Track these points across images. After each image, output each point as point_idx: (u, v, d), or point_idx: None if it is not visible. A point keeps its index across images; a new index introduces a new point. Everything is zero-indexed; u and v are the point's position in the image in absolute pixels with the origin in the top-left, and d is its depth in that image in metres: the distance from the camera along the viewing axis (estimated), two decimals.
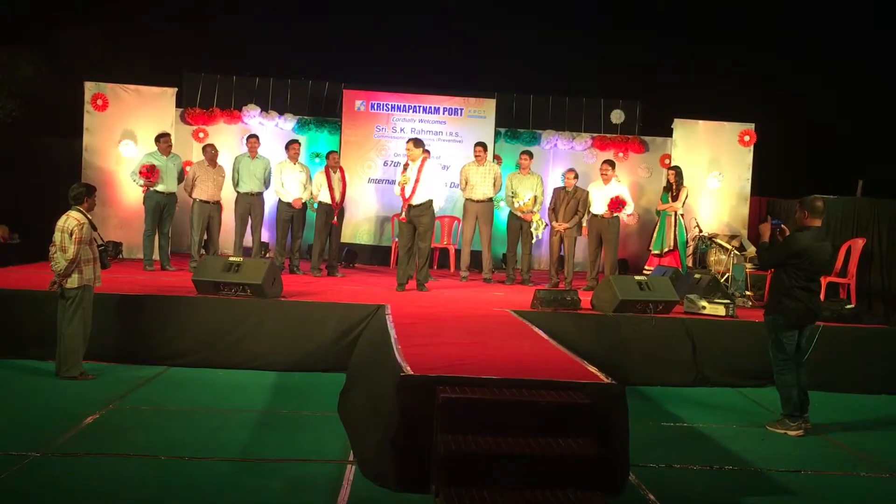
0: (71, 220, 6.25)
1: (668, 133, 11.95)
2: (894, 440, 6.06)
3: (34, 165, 11.61)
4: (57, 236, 6.26)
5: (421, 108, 11.98)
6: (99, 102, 10.90)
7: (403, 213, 8.57)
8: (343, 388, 6.28)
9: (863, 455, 5.54)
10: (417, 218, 8.54)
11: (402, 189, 8.53)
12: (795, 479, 4.95)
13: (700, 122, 11.78)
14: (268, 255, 10.46)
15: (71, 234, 6.19)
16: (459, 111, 11.99)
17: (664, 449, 5.38)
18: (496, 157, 11.26)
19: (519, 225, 9.81)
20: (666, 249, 10.02)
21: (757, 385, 7.29)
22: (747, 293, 9.04)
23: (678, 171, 10.21)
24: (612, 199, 9.49)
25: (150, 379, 6.55)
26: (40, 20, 12.76)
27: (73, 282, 6.24)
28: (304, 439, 5.21)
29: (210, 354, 7.03)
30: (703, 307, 7.78)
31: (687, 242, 10.18)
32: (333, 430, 5.40)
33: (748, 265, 9.36)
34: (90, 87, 10.96)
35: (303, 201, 9.85)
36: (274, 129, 11.97)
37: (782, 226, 6.11)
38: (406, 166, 8.56)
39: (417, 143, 8.62)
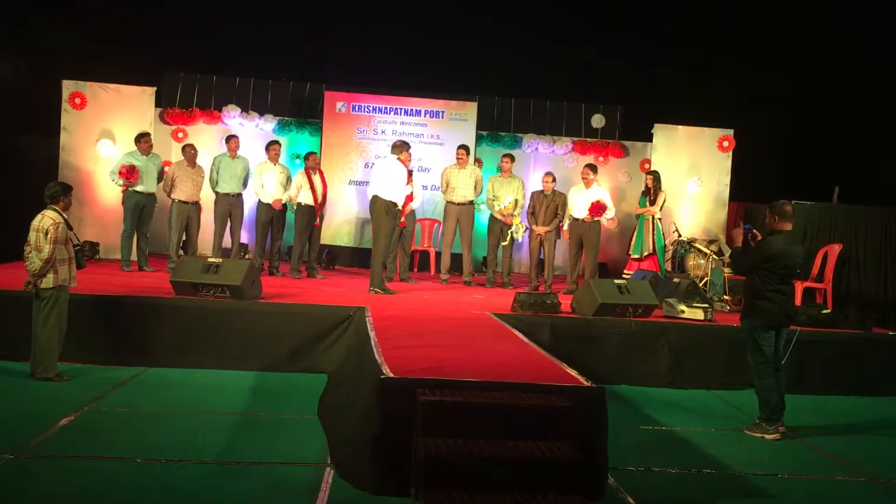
0: (46, 219, 6.18)
1: (649, 138, 12.02)
2: (870, 444, 6.12)
3: (10, 165, 11.45)
4: (32, 236, 6.18)
5: (402, 111, 11.97)
6: (77, 101, 10.78)
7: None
8: (323, 391, 6.25)
9: (839, 459, 5.59)
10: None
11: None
12: (773, 482, 4.99)
13: (680, 127, 11.87)
14: (247, 257, 10.39)
15: (46, 234, 6.12)
16: (441, 114, 11.99)
17: (643, 452, 5.39)
18: (477, 161, 11.27)
19: (499, 228, 9.81)
20: (645, 253, 10.05)
21: (734, 388, 7.34)
22: (725, 297, 9.11)
23: (656, 176, 10.24)
24: (593, 204, 9.52)
25: (126, 380, 6.48)
26: (17, 18, 12.60)
27: (48, 282, 6.16)
28: (282, 442, 5.18)
29: (188, 356, 6.97)
30: (682, 311, 7.83)
31: (665, 247, 10.23)
32: (312, 432, 5.37)
33: (726, 270, 9.42)
34: (68, 86, 10.84)
35: (283, 202, 9.80)
36: (254, 129, 11.91)
37: (754, 230, 6.18)
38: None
39: None
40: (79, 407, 5.62)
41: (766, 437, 5.92)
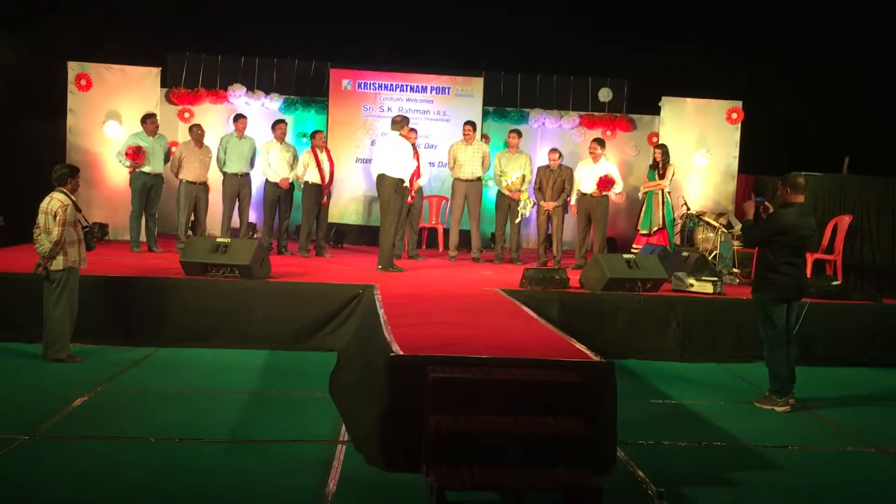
0: (55, 201, 6.19)
1: (656, 111, 11.93)
2: (880, 415, 6.13)
3: (17, 147, 11.47)
4: (41, 218, 6.20)
5: (408, 87, 11.91)
6: (83, 83, 10.76)
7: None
8: (334, 368, 6.29)
9: (848, 430, 5.59)
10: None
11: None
12: (783, 454, 5.00)
13: (688, 99, 11.76)
14: (255, 236, 10.41)
15: (55, 216, 6.13)
16: (447, 90, 11.93)
17: (652, 426, 5.42)
18: (484, 137, 11.22)
19: (507, 204, 9.79)
20: (654, 228, 10.00)
21: (744, 361, 7.34)
22: (735, 270, 9.08)
23: (664, 149, 10.17)
24: (601, 178, 9.48)
25: (138, 361, 6.53)
26: (20, 0, 12.55)
27: (57, 264, 6.19)
28: (294, 420, 5.21)
29: (198, 336, 7.01)
30: (691, 285, 7.81)
31: (674, 220, 10.19)
32: (324, 410, 5.40)
33: (736, 243, 9.39)
34: (73, 68, 10.81)
35: (290, 181, 9.80)
36: (260, 108, 11.87)
37: (766, 203, 6.14)
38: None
39: None
40: (91, 387, 5.67)
41: (776, 409, 5.92)
